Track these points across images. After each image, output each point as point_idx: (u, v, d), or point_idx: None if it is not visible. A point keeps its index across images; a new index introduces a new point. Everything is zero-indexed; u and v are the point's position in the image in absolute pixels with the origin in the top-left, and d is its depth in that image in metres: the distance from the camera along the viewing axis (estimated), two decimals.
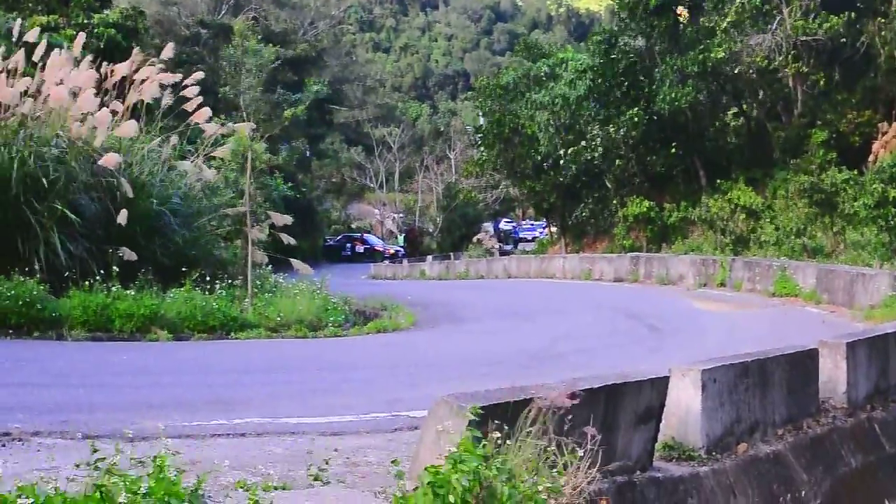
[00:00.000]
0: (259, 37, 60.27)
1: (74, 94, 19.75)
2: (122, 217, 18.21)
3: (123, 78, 21.24)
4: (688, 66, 37.55)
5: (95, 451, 4.86)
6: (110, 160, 18.61)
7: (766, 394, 8.77)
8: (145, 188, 20.37)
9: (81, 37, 22.16)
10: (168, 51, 22.96)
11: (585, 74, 42.75)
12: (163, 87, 21.89)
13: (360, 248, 70.20)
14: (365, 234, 75.29)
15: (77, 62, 21.09)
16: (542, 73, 47.87)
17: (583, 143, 42.68)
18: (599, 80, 41.76)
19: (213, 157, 23.93)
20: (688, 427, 7.84)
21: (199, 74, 23.12)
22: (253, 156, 21.95)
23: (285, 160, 54.65)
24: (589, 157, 42.79)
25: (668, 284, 32.14)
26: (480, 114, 58.45)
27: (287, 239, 21.41)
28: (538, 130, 45.98)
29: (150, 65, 21.77)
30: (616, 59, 41.29)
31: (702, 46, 37.43)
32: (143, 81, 21.27)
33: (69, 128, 19.47)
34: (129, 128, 19.65)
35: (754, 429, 8.54)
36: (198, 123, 22.28)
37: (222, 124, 24.48)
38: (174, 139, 22.36)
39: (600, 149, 42.02)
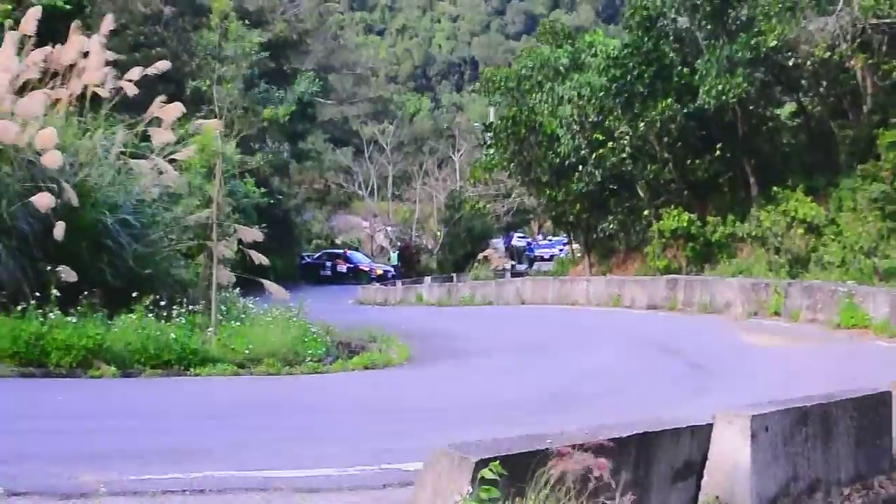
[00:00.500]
0: (245, 21, 60.05)
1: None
2: (60, 231, 18.11)
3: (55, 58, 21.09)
4: (738, 51, 37.49)
5: None
6: (51, 159, 18.50)
7: (829, 445, 8.70)
8: (91, 195, 20.29)
9: (34, 12, 21.65)
10: (107, 24, 22.72)
11: (618, 61, 42.68)
12: (114, 71, 21.84)
13: (342, 268, 70.16)
14: (348, 252, 75.20)
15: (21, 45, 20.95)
16: (561, 65, 47.94)
17: (610, 143, 42.59)
18: (631, 65, 41.62)
19: (174, 160, 23.78)
20: (735, 485, 7.76)
21: (165, 64, 23.06)
22: (223, 159, 21.89)
23: (261, 164, 54.60)
24: (615, 160, 42.65)
25: (711, 313, 32.06)
26: (492, 108, 58.54)
27: (258, 258, 21.33)
28: (559, 128, 45.97)
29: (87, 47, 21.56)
30: (655, 39, 41.26)
31: (756, 30, 37.37)
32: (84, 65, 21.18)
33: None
34: (35, 102, 19.43)
35: (815, 488, 8.47)
36: (157, 120, 22.18)
37: (181, 116, 24.25)
38: (121, 135, 22.21)
39: (628, 149, 41.84)
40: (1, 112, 19.42)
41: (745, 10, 39.24)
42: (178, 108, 22.24)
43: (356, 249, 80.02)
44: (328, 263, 70.72)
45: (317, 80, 65.74)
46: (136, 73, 22.14)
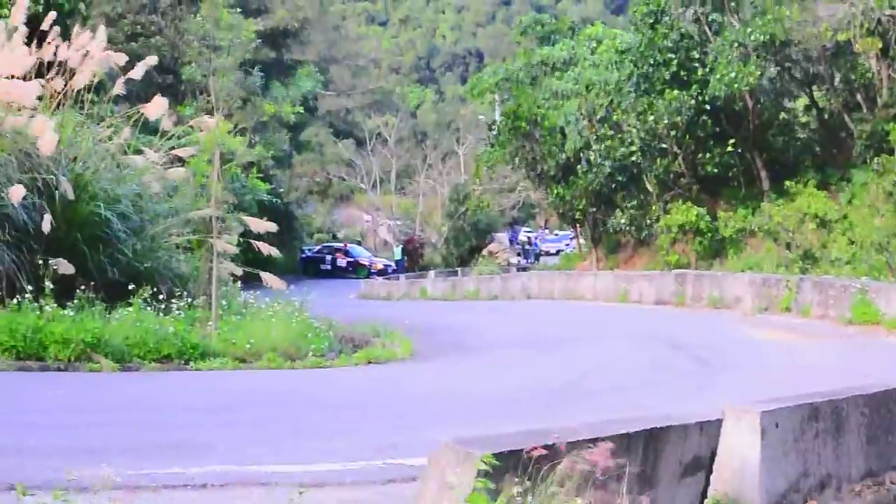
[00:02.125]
0: (235, 9, 59.80)
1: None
2: (47, 223, 18.09)
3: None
4: (751, 35, 37.27)
5: None
6: (47, 144, 18.49)
7: (839, 442, 8.70)
8: (88, 187, 20.30)
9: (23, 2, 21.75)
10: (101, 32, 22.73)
11: (627, 55, 42.68)
12: (117, 66, 21.91)
13: (342, 262, 70.44)
14: (349, 245, 75.40)
15: (10, 34, 20.99)
16: (561, 60, 47.98)
17: (619, 136, 42.45)
18: (642, 62, 41.64)
19: (179, 158, 23.73)
20: (744, 481, 7.77)
21: (152, 59, 23.11)
22: (225, 151, 21.85)
23: (261, 154, 54.43)
24: (624, 151, 42.49)
25: (720, 308, 32.05)
26: (497, 105, 58.53)
27: (267, 249, 21.30)
28: (565, 123, 45.92)
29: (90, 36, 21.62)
30: (663, 33, 41.21)
31: (768, 17, 37.17)
32: (84, 56, 21.20)
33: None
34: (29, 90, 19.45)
35: (825, 484, 8.48)
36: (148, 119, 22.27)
37: (176, 112, 24.21)
38: (126, 132, 22.30)
39: (637, 141, 41.68)
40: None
41: None
42: (161, 105, 22.23)
43: (358, 243, 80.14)
44: (328, 257, 71.01)
45: (318, 74, 65.43)
46: (138, 70, 22.26)
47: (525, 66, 49.76)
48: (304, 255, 71.44)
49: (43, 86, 20.39)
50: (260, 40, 60.51)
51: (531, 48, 55.37)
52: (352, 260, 70.88)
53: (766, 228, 38.56)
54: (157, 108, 22.03)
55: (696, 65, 40.95)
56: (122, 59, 22.11)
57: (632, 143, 42.03)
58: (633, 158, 42.66)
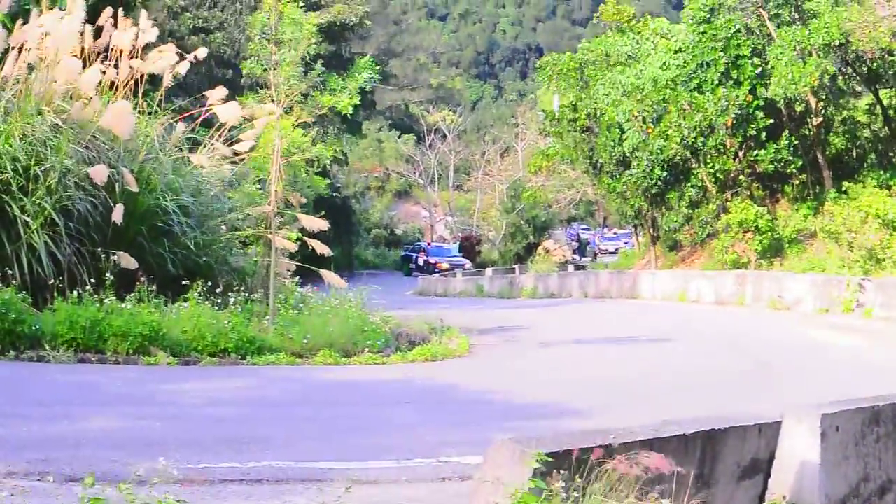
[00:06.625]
0: (301, 3, 59.78)
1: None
2: (118, 214, 18.23)
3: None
4: (810, 37, 36.91)
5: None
6: (124, 128, 18.60)
7: None
8: (150, 180, 20.44)
9: None
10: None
11: (680, 54, 42.43)
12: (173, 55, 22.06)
13: (421, 260, 72.88)
14: (431, 245, 78.07)
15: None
16: (625, 55, 47.73)
17: (669, 133, 41.98)
18: (693, 58, 41.33)
19: (235, 150, 23.84)
20: (803, 485, 7.71)
21: (203, 52, 23.24)
22: (287, 146, 21.94)
23: (321, 153, 54.42)
24: (663, 146, 41.90)
25: (780, 309, 31.81)
26: (556, 97, 58.32)
27: (321, 248, 21.38)
28: (624, 120, 45.64)
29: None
30: (716, 29, 40.92)
31: (826, 17, 36.80)
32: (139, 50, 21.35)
33: (60, 103, 19.56)
34: (124, 112, 19.60)
35: (886, 489, 8.40)
36: (211, 107, 22.37)
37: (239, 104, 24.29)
38: (181, 127, 22.45)
39: (677, 138, 41.10)
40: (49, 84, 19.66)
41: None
42: (235, 109, 22.39)
43: (418, 240, 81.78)
44: (414, 256, 74.54)
45: (375, 65, 65.47)
46: (186, 64, 22.44)
47: (597, 57, 49.51)
48: (403, 254, 78.93)
49: (103, 72, 20.53)
50: (321, 35, 60.53)
51: (599, 36, 55.16)
52: (427, 258, 73.21)
53: (828, 228, 38.09)
54: (229, 111, 22.24)
55: (752, 60, 40.55)
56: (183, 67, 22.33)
57: (681, 143, 41.48)
58: (676, 155, 42.02)
